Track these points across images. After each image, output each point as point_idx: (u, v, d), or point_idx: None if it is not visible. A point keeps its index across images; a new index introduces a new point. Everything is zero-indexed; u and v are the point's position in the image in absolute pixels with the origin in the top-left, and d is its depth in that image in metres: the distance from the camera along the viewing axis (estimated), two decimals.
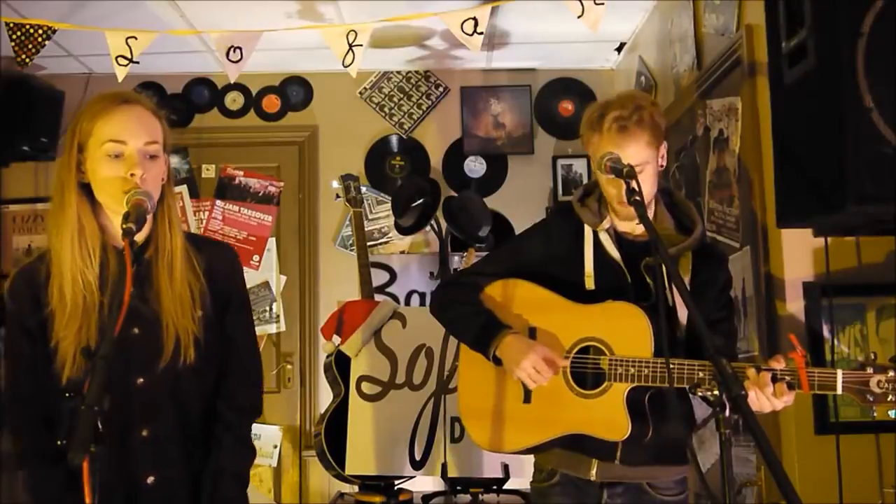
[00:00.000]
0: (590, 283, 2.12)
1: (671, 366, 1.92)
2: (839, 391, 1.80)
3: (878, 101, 1.92)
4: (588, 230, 2.15)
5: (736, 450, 2.73)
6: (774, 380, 1.82)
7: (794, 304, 2.48)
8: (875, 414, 1.77)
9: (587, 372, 2.07)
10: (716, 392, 1.56)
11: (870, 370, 1.78)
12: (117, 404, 1.71)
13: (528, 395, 2.13)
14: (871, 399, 1.77)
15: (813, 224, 2.31)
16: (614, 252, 2.11)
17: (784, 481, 1.37)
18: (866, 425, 2.39)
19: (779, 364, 1.84)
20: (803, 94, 2.12)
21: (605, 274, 2.11)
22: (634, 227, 2.14)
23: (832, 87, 1.98)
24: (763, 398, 1.82)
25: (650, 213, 2.13)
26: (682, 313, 2.06)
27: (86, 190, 1.81)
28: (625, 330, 2.03)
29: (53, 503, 1.80)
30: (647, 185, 2.03)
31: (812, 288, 2.46)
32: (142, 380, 1.83)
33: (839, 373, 1.80)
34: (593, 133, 2.08)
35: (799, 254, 2.50)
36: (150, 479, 1.83)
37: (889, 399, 1.76)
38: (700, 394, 1.73)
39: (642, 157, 2.03)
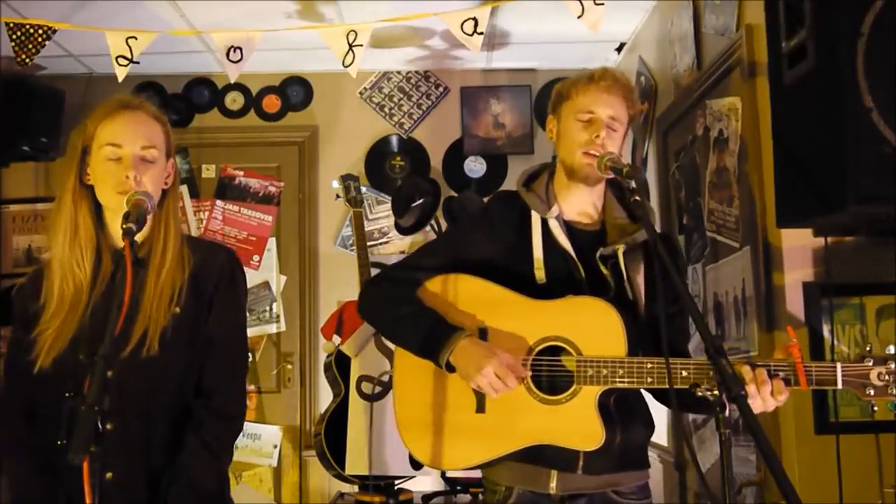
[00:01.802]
0: (540, 275, 1.96)
1: (650, 365, 1.81)
2: (839, 385, 1.73)
3: (878, 101, 1.92)
4: (536, 217, 2.01)
5: (736, 450, 2.74)
6: (770, 376, 1.73)
7: (794, 304, 2.48)
8: (875, 408, 1.71)
9: (551, 375, 1.90)
10: (716, 392, 1.55)
11: (869, 362, 1.72)
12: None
13: (481, 404, 1.94)
14: (872, 392, 1.71)
15: (813, 224, 2.31)
16: (565, 241, 1.98)
17: (784, 481, 1.37)
18: (866, 425, 2.39)
19: (779, 355, 1.76)
20: (803, 94, 2.12)
21: (555, 265, 1.98)
22: (584, 217, 2.06)
23: (832, 87, 1.98)
24: (758, 401, 1.72)
25: (601, 199, 2.08)
26: (641, 309, 1.96)
27: (90, 192, 1.89)
28: (594, 328, 1.86)
29: (29, 489, 1.84)
30: (617, 143, 2.00)
31: (812, 288, 2.46)
32: (110, 373, 1.82)
33: (838, 366, 1.73)
34: (578, 84, 2.02)
35: (799, 254, 2.49)
36: (109, 475, 1.81)
37: (890, 392, 1.71)
38: (700, 394, 1.72)
39: (621, 113, 2.01)
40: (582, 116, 2.00)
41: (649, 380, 1.82)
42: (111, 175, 1.84)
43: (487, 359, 1.86)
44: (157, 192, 1.88)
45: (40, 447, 1.84)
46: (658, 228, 2.06)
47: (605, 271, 1.98)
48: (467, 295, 2.00)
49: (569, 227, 2.03)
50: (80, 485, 1.76)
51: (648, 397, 2.08)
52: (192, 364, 1.92)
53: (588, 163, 1.97)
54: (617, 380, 1.83)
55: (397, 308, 2.02)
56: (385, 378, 3.31)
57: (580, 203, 2.06)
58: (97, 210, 1.90)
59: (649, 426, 2.06)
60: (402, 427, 2.03)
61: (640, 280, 1.98)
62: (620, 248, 1.97)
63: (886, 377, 1.71)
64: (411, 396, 2.03)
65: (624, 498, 2.00)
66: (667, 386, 1.76)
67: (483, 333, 1.96)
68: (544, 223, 2.02)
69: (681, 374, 1.79)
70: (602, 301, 1.89)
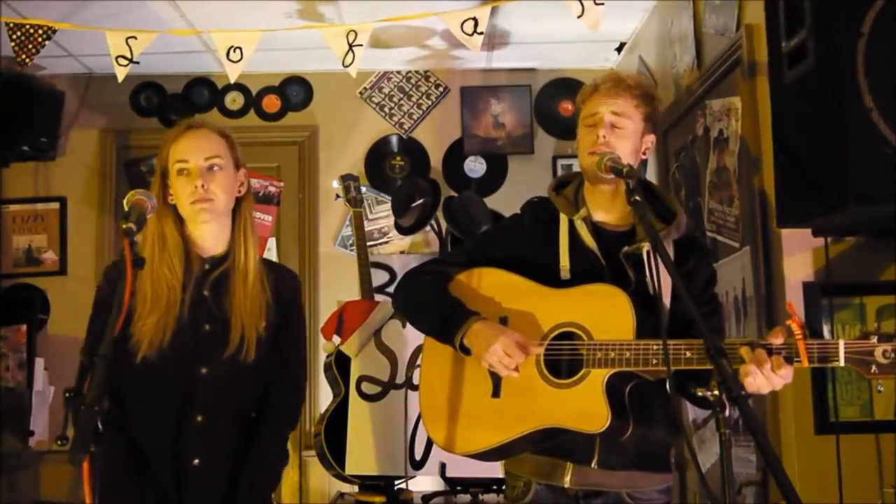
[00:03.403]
0: (564, 274, 2.02)
1: (655, 347, 1.82)
2: (842, 363, 1.67)
3: (878, 101, 1.92)
4: (563, 219, 2.08)
5: (736, 450, 2.73)
6: (770, 354, 1.70)
7: (794, 304, 2.48)
8: (881, 388, 1.66)
9: (563, 360, 1.94)
10: (716, 392, 1.54)
11: (874, 339, 1.66)
12: (182, 391, 2.02)
13: (497, 389, 2.00)
14: (877, 370, 1.65)
15: (813, 224, 2.31)
16: (590, 241, 2.03)
17: (784, 481, 1.37)
18: (866, 425, 2.39)
19: (777, 339, 1.72)
20: (803, 94, 2.12)
21: (580, 263, 2.03)
22: (612, 218, 2.08)
23: (832, 87, 1.98)
24: (761, 378, 1.69)
25: (611, 198, 2.07)
26: (666, 302, 1.96)
27: (174, 209, 2.09)
28: (605, 313, 1.90)
29: (112, 465, 1.94)
30: (626, 141, 2.01)
31: (812, 288, 2.46)
32: (205, 370, 2.04)
33: (841, 343, 1.67)
34: (586, 92, 2.09)
35: (799, 254, 2.50)
36: (196, 462, 2.02)
37: None
38: (700, 394, 1.71)
39: (625, 110, 2.02)
40: (588, 121, 2.06)
41: (654, 361, 1.82)
42: (183, 188, 2.05)
43: (497, 337, 1.93)
44: (228, 198, 2.09)
45: (128, 431, 2.03)
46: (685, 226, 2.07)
47: (628, 269, 2.00)
48: (491, 285, 2.09)
49: (596, 228, 2.07)
50: (168, 473, 2.01)
51: None
52: (268, 371, 2.13)
53: (594, 160, 2.00)
54: (624, 362, 1.85)
55: (423, 297, 2.14)
56: (400, 379, 3.32)
57: (607, 205, 2.08)
58: (181, 224, 2.11)
59: (672, 428, 2.03)
60: (424, 414, 2.13)
61: (666, 279, 1.95)
62: (645, 247, 1.98)
63: (892, 355, 1.64)
64: (435, 385, 2.11)
65: None
66: (672, 368, 1.77)
67: (504, 322, 2.03)
68: (571, 224, 2.07)
69: (685, 355, 1.78)
70: (613, 287, 1.93)
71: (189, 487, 2.01)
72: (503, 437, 1.98)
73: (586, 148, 2.03)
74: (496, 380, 2.01)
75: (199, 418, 2.03)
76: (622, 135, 2.01)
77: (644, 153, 2.08)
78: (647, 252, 1.98)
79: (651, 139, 2.09)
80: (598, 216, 2.09)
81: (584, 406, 1.88)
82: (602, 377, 1.87)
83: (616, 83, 2.04)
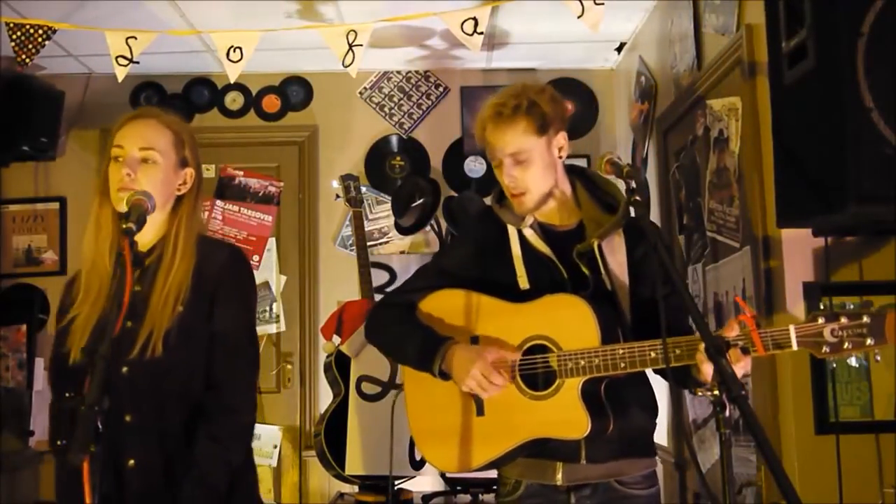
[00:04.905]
0: (523, 283, 2.06)
1: (621, 351, 1.88)
2: (794, 346, 1.74)
3: (878, 101, 1.92)
4: (512, 230, 2.10)
5: (736, 450, 2.74)
6: (727, 347, 1.73)
7: (794, 304, 2.48)
8: (866, 357, 1.71)
9: (538, 372, 2.00)
10: (716, 392, 1.56)
11: (821, 320, 1.72)
12: (110, 392, 1.87)
13: (480, 408, 2.05)
14: (828, 350, 1.72)
15: (813, 224, 2.31)
16: (542, 246, 2.06)
17: (784, 481, 1.37)
18: (866, 425, 2.39)
19: (732, 331, 1.78)
20: (803, 94, 2.11)
21: (537, 270, 2.06)
22: (559, 218, 2.10)
23: (832, 87, 1.98)
24: None
25: (567, 201, 2.10)
26: (624, 297, 2.02)
27: None
28: (569, 323, 1.96)
29: (67, 473, 1.93)
30: (535, 176, 2.02)
31: (812, 288, 2.46)
32: (126, 369, 1.93)
33: (791, 328, 1.74)
34: (477, 120, 2.09)
35: (799, 254, 2.50)
36: (131, 462, 1.92)
37: (846, 347, 1.70)
38: (700, 394, 1.74)
39: (519, 144, 2.01)
40: (493, 161, 2.08)
41: (622, 365, 1.89)
42: (113, 174, 1.98)
43: (472, 361, 1.97)
44: (158, 194, 1.96)
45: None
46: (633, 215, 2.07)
47: (583, 267, 2.03)
48: (457, 307, 2.11)
49: (545, 231, 2.09)
50: (109, 474, 1.89)
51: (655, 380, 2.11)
52: (196, 360, 1.98)
53: (517, 201, 2.06)
54: (594, 368, 1.91)
55: (394, 329, 2.16)
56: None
57: (550, 208, 2.10)
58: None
59: (650, 411, 2.10)
60: (416, 438, 2.17)
61: (621, 268, 2.03)
62: (595, 243, 2.02)
63: (840, 333, 1.71)
64: (422, 409, 2.16)
65: (628, 488, 2.03)
66: (637, 369, 1.88)
67: (474, 341, 2.07)
68: (520, 233, 2.09)
69: (649, 355, 1.86)
70: (573, 296, 1.98)
71: (127, 488, 1.93)
72: (494, 452, 2.03)
73: (506, 189, 2.07)
74: (478, 399, 2.05)
75: (129, 418, 1.93)
76: (530, 169, 2.03)
77: (561, 156, 2.07)
78: (599, 247, 2.03)
79: (560, 140, 2.07)
80: (544, 218, 2.10)
81: (564, 415, 1.94)
82: (576, 385, 1.94)
83: (497, 116, 2.02)
